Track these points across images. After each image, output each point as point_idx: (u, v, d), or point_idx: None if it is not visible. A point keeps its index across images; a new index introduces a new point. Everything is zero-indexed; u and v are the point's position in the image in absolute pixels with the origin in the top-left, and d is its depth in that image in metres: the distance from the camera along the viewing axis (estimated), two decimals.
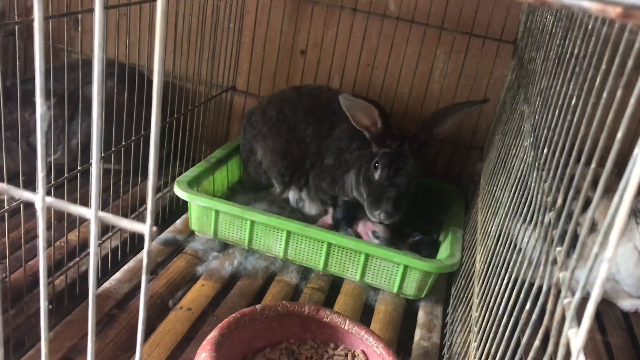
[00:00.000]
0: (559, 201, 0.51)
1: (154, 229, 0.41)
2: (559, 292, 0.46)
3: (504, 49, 1.44)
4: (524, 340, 0.52)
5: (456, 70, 1.49)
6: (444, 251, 1.23)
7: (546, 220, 0.58)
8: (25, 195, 0.42)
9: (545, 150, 0.66)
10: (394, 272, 1.20)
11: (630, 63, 0.39)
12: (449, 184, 1.54)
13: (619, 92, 0.40)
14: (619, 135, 0.37)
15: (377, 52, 1.53)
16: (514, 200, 0.82)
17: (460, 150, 1.56)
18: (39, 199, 0.42)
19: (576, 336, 0.36)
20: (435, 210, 1.43)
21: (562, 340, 0.40)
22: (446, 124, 1.25)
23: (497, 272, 0.80)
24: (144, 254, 0.42)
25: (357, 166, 1.30)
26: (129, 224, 0.42)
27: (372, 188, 1.23)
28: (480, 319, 0.80)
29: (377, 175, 1.23)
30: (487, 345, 0.69)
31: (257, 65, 1.63)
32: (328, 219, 1.37)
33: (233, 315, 0.90)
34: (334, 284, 1.25)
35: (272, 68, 1.62)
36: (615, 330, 1.24)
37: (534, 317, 0.51)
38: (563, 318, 0.43)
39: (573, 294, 0.46)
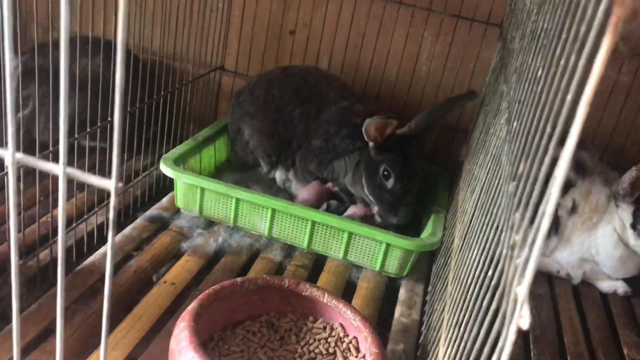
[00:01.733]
0: (521, 168, 0.52)
1: (120, 185, 0.43)
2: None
3: (491, 32, 1.45)
4: (485, 304, 0.54)
5: (443, 53, 1.50)
6: (426, 230, 1.24)
7: (510, 189, 0.59)
8: None
9: (515, 123, 0.67)
10: (377, 250, 1.21)
11: (583, 28, 0.40)
12: (435, 167, 1.55)
13: (573, 58, 0.41)
14: (569, 97, 0.38)
15: (366, 34, 1.54)
16: (488, 175, 0.83)
17: (446, 133, 1.57)
18: (9, 155, 0.43)
19: (521, 287, 0.38)
20: (422, 192, 1.45)
21: (512, 297, 0.41)
22: (437, 121, 1.27)
23: (470, 245, 0.82)
24: (110, 210, 0.44)
25: (352, 161, 1.30)
26: (96, 180, 0.43)
27: (385, 195, 1.26)
28: (454, 292, 0.82)
29: (389, 184, 1.24)
30: (456, 315, 0.70)
31: (246, 44, 1.64)
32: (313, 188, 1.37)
33: (213, 287, 0.91)
34: (318, 262, 1.26)
35: (261, 48, 1.63)
36: (593, 311, 1.26)
37: (493, 282, 0.53)
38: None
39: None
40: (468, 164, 1.17)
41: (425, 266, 1.30)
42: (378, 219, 1.31)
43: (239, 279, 0.95)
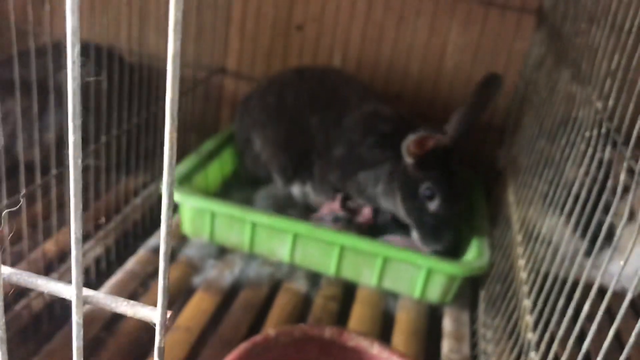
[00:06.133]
0: None
1: (168, 314, 0.27)
2: None
3: (526, 19, 1.30)
4: None
5: (472, 45, 1.35)
6: (471, 251, 1.09)
7: None
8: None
9: None
10: (416, 275, 1.07)
11: None
12: (464, 169, 1.40)
13: None
14: None
15: (384, 26, 1.38)
16: (578, 201, 0.69)
17: (476, 131, 1.41)
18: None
19: None
20: None
21: None
22: (476, 121, 1.11)
23: (560, 287, 0.68)
24: (155, 349, 0.28)
25: (383, 172, 1.14)
26: (130, 308, 0.27)
27: (426, 219, 1.10)
28: (544, 345, 0.68)
29: (433, 205, 1.08)
30: None
31: (249, 43, 1.47)
32: (333, 207, 1.22)
33: (244, 345, 0.76)
34: (348, 290, 1.11)
35: (265, 46, 1.46)
36: None
37: None
38: None
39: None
40: (521, 175, 1.02)
41: (467, 288, 1.16)
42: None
43: (272, 332, 0.79)
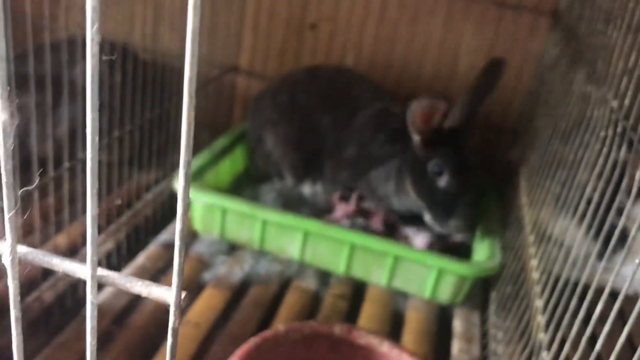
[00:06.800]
0: None
1: (183, 295, 0.27)
2: None
3: (540, 20, 1.29)
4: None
5: (486, 46, 1.34)
6: (481, 251, 1.09)
7: None
8: None
9: None
10: (426, 275, 1.06)
11: None
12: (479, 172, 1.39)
13: None
14: None
15: (398, 26, 1.38)
16: (592, 202, 0.68)
17: (489, 133, 1.41)
18: (7, 249, 0.28)
19: None
20: None
21: None
22: (482, 102, 1.10)
23: (572, 289, 0.67)
24: (168, 335, 0.28)
25: (393, 168, 1.14)
26: (145, 288, 0.27)
27: (436, 196, 1.08)
28: (556, 345, 0.67)
29: (442, 181, 1.07)
30: None
31: (262, 42, 1.47)
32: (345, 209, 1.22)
33: (254, 340, 0.76)
34: (358, 289, 1.11)
35: (279, 45, 1.47)
36: None
37: None
38: None
39: None
40: (534, 176, 1.01)
41: (478, 289, 1.15)
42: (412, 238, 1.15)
43: (282, 328, 0.79)
